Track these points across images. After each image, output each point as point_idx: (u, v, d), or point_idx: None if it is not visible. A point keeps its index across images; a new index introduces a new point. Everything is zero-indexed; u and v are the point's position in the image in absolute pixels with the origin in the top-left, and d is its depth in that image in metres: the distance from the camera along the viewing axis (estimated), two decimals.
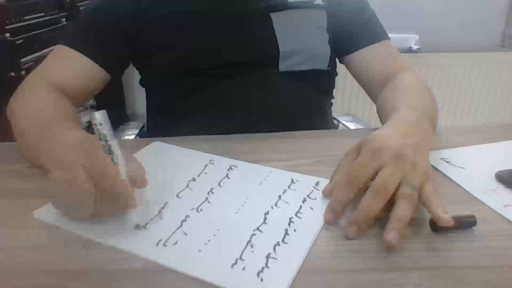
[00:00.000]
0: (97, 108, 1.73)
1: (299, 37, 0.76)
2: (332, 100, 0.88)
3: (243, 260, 0.38)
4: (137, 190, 0.43)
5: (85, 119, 1.73)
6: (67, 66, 0.70)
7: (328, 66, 0.80)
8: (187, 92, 0.75)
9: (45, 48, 1.40)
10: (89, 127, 1.45)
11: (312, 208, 0.46)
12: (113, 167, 0.41)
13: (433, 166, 0.52)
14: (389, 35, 0.80)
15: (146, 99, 0.86)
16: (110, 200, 0.41)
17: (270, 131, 0.68)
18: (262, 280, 0.36)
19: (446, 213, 0.40)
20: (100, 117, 0.42)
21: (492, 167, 0.54)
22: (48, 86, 0.66)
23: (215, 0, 0.74)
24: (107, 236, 0.41)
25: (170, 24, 0.73)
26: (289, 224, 0.43)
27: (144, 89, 0.85)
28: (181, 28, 0.73)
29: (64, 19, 1.58)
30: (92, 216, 0.42)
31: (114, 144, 0.43)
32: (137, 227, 0.43)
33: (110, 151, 0.42)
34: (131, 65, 0.82)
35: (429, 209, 0.42)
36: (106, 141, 0.42)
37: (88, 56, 0.70)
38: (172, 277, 0.37)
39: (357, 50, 0.78)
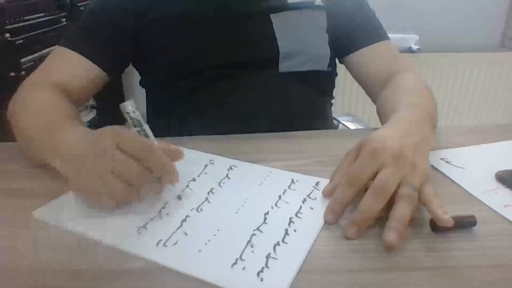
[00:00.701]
0: (96, 108, 1.73)
1: (299, 38, 0.76)
2: (332, 101, 0.88)
3: (243, 260, 0.38)
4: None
5: (86, 118, 1.73)
6: (66, 67, 0.71)
7: (328, 66, 0.80)
8: (187, 92, 0.75)
9: (45, 48, 1.40)
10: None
11: (312, 208, 0.46)
12: (152, 144, 0.44)
13: (433, 166, 0.52)
14: (389, 35, 0.80)
15: (146, 100, 0.86)
16: (148, 177, 0.44)
17: (270, 131, 0.68)
18: (262, 280, 0.36)
19: (446, 214, 0.40)
20: (131, 105, 0.46)
21: (492, 167, 0.54)
22: (48, 86, 0.66)
23: (215, 1, 0.74)
24: (107, 236, 0.41)
25: (170, 26, 0.73)
26: (289, 224, 0.43)
27: (144, 89, 0.85)
28: (181, 29, 0.73)
29: (64, 19, 1.58)
30: (127, 197, 0.44)
31: (147, 128, 0.47)
32: (179, 197, 0.47)
33: (146, 135, 0.47)
34: (131, 65, 0.82)
35: (429, 210, 0.42)
36: (141, 126, 0.46)
37: (87, 57, 0.71)
38: (172, 277, 0.37)
39: (357, 51, 0.78)
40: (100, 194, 0.44)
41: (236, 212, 0.46)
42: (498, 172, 0.52)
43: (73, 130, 0.50)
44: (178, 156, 0.47)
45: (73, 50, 0.71)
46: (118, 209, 0.45)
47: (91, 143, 0.45)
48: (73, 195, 0.49)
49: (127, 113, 0.45)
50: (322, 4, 0.78)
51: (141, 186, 0.44)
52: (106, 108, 1.80)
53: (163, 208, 0.46)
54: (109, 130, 0.45)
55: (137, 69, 0.83)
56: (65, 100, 0.65)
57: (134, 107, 0.46)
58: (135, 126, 0.45)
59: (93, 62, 0.71)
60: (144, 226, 0.43)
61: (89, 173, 0.43)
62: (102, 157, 0.43)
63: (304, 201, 0.48)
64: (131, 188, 0.43)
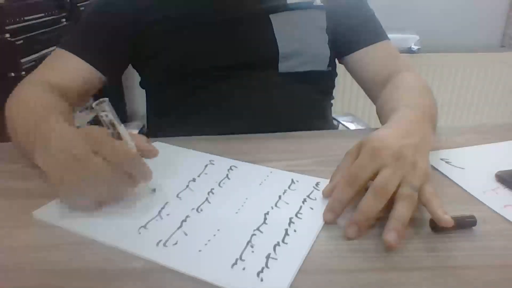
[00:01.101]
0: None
1: (298, 38, 0.76)
2: (332, 101, 0.88)
3: (243, 260, 0.38)
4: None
5: (86, 118, 1.73)
6: (64, 69, 0.71)
7: (328, 66, 0.80)
8: (187, 94, 0.75)
9: (45, 48, 1.40)
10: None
11: (312, 209, 0.46)
12: (129, 150, 0.44)
13: (433, 166, 0.52)
14: (389, 35, 0.80)
15: (146, 100, 0.86)
16: (126, 179, 0.44)
17: (270, 132, 0.68)
18: (262, 280, 0.36)
19: (446, 214, 0.40)
20: (105, 105, 0.44)
21: (492, 167, 0.54)
22: (44, 86, 0.66)
23: (214, 2, 0.74)
24: (107, 236, 0.41)
25: (170, 27, 0.73)
26: (289, 224, 0.43)
27: (144, 89, 0.85)
28: (181, 30, 0.73)
29: (64, 20, 1.58)
30: (105, 201, 0.45)
31: (122, 129, 0.45)
32: (154, 190, 0.49)
33: (119, 137, 0.45)
34: (130, 66, 0.82)
35: (429, 210, 0.42)
36: (114, 127, 0.45)
37: (85, 60, 0.71)
38: (172, 277, 0.37)
39: (356, 51, 0.78)
40: (74, 195, 0.44)
41: (236, 212, 0.46)
42: (498, 172, 0.52)
43: (56, 129, 0.48)
44: (152, 155, 0.48)
45: (72, 52, 0.71)
46: (110, 209, 0.46)
47: (70, 144, 0.43)
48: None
49: (100, 116, 0.44)
50: (321, 4, 0.78)
51: (117, 189, 0.45)
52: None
53: (163, 208, 0.46)
54: (86, 134, 0.44)
55: (137, 70, 0.83)
56: (58, 98, 0.64)
57: (107, 108, 0.44)
58: (108, 128, 0.45)
59: (90, 64, 0.72)
60: (144, 226, 0.43)
61: (66, 175, 0.43)
62: (77, 159, 0.42)
63: (304, 201, 0.48)
64: (108, 192, 0.45)
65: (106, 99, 0.44)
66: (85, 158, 0.42)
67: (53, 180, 0.44)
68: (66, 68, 0.71)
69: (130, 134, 0.46)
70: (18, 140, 0.58)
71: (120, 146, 0.44)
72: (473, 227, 0.43)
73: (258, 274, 0.36)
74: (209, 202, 0.48)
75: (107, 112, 0.44)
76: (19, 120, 0.58)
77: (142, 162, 0.46)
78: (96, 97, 0.77)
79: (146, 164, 0.46)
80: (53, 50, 0.75)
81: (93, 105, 0.44)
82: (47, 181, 0.45)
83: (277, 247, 0.40)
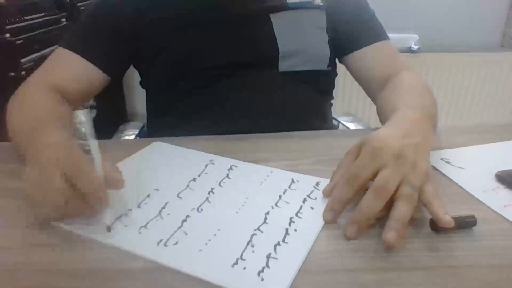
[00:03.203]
0: (96, 108, 1.73)
1: (298, 38, 0.76)
2: (332, 101, 0.88)
3: (244, 259, 0.38)
4: (113, 192, 0.43)
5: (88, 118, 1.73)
6: (66, 69, 0.71)
7: (328, 66, 0.80)
8: (188, 93, 0.75)
9: (45, 48, 1.40)
10: None
11: (312, 208, 0.46)
12: (88, 166, 0.42)
13: (433, 166, 0.52)
14: (389, 35, 0.80)
15: (146, 100, 0.86)
16: (81, 200, 0.41)
17: (270, 131, 0.68)
18: (262, 279, 0.36)
19: (446, 214, 0.40)
20: (81, 116, 0.43)
21: (492, 167, 0.54)
22: (46, 87, 0.66)
23: (214, 1, 0.74)
24: (107, 236, 0.41)
25: (170, 27, 0.73)
26: (289, 224, 0.43)
27: (144, 89, 0.85)
28: (181, 30, 0.73)
29: (64, 19, 1.58)
30: (62, 216, 0.43)
31: (92, 143, 0.43)
32: (108, 229, 0.42)
33: (87, 151, 0.43)
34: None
35: (429, 210, 0.42)
36: (85, 140, 0.43)
37: (87, 59, 0.71)
38: (173, 276, 0.37)
39: (356, 50, 0.78)
40: (31, 200, 0.43)
41: (237, 212, 0.46)
42: (498, 172, 0.52)
43: (48, 137, 0.48)
44: (118, 185, 0.44)
45: (73, 51, 0.71)
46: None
47: (45, 165, 0.42)
48: None
49: (75, 123, 0.43)
50: (321, 4, 0.78)
51: (70, 209, 0.42)
52: (106, 108, 1.79)
53: (164, 208, 0.46)
54: (58, 146, 0.43)
55: (137, 70, 0.83)
56: (58, 101, 0.64)
57: (84, 118, 0.43)
58: (79, 138, 0.43)
59: (92, 63, 0.71)
60: (145, 226, 0.43)
61: (37, 184, 0.42)
62: (38, 167, 0.42)
63: (304, 201, 0.48)
64: (54, 210, 0.42)
65: (86, 109, 0.43)
66: (49, 172, 0.41)
67: (27, 189, 0.43)
68: (68, 68, 0.71)
69: (108, 159, 0.44)
70: (15, 142, 0.58)
71: (79, 162, 0.42)
72: (473, 227, 0.43)
73: (258, 274, 0.36)
74: (210, 202, 0.48)
75: (82, 123, 0.43)
76: (18, 124, 0.59)
77: (98, 184, 0.42)
78: (96, 97, 0.77)
79: (103, 191, 0.42)
80: (54, 49, 0.75)
81: (76, 113, 0.43)
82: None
83: (277, 247, 0.40)
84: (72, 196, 0.41)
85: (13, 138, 0.59)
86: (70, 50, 0.71)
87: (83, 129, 0.43)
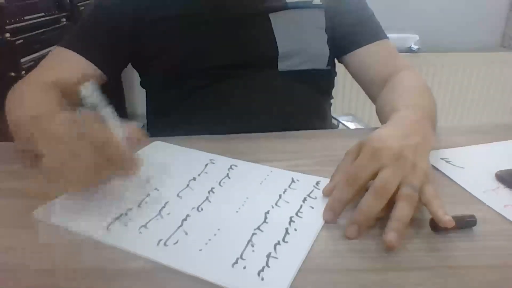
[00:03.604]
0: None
1: (298, 37, 0.76)
2: (332, 101, 0.88)
3: (244, 259, 0.38)
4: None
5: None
6: (63, 67, 0.71)
7: (327, 66, 0.80)
8: (187, 93, 0.75)
9: (45, 48, 1.40)
10: None
11: (312, 208, 0.46)
12: (111, 134, 0.44)
13: (433, 166, 0.52)
14: (389, 35, 0.80)
15: (146, 100, 0.86)
16: (113, 167, 0.43)
17: (270, 131, 0.68)
18: (262, 279, 0.36)
19: (446, 215, 0.40)
20: (86, 89, 0.44)
21: (492, 167, 0.54)
22: (44, 84, 0.66)
23: (214, 2, 0.74)
24: (107, 236, 0.41)
25: (169, 27, 0.73)
26: (289, 224, 0.43)
27: (144, 89, 0.85)
28: (180, 30, 0.73)
29: (64, 19, 1.58)
30: (91, 184, 0.45)
31: (106, 112, 0.45)
32: (148, 180, 0.47)
33: (104, 120, 0.45)
34: (131, 65, 0.82)
35: (430, 210, 0.42)
36: (99, 110, 0.45)
37: (85, 57, 0.71)
38: (173, 276, 0.37)
39: (355, 50, 0.78)
40: (59, 177, 0.44)
41: (237, 212, 0.46)
42: (498, 172, 0.52)
43: (53, 118, 0.49)
44: (140, 141, 0.47)
45: (71, 50, 0.71)
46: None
47: (57, 129, 0.45)
48: (73, 195, 0.49)
49: (83, 98, 0.44)
50: (321, 4, 0.78)
51: (99, 175, 0.44)
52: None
53: (164, 207, 0.46)
54: (76, 118, 0.45)
55: (137, 70, 0.83)
56: (54, 97, 0.63)
57: (91, 90, 0.44)
58: (93, 110, 0.45)
59: (90, 61, 0.72)
60: (145, 226, 0.43)
61: (56, 158, 0.44)
62: (63, 142, 0.43)
63: (304, 200, 0.48)
64: (90, 177, 0.44)
65: (92, 82, 0.45)
66: (69, 140, 0.43)
67: (43, 163, 0.44)
68: (65, 66, 0.71)
69: (121, 121, 0.46)
70: (19, 133, 0.58)
71: (103, 131, 0.44)
72: (473, 227, 0.43)
73: (258, 273, 0.36)
74: (210, 201, 0.48)
75: (92, 95, 0.44)
76: (21, 116, 0.58)
77: (126, 150, 0.44)
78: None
79: (132, 153, 0.45)
80: (52, 49, 0.75)
81: (80, 87, 0.44)
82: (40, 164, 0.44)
83: (277, 246, 0.40)
84: (101, 162, 0.42)
85: (17, 131, 0.59)
86: (67, 48, 0.72)
87: (91, 101, 0.44)
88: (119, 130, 0.45)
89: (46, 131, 0.46)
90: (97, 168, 0.43)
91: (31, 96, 0.63)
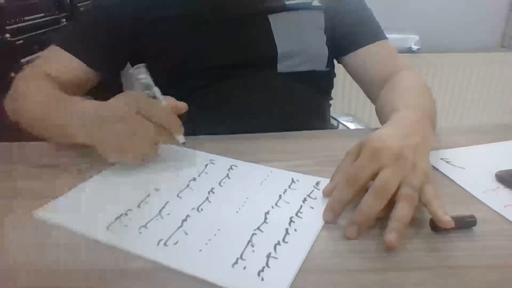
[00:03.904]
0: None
1: (297, 38, 0.76)
2: (332, 101, 0.88)
3: (244, 259, 0.38)
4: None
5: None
6: (56, 64, 0.72)
7: (327, 66, 0.80)
8: (187, 93, 0.75)
9: (45, 48, 1.40)
10: None
11: (312, 208, 0.46)
12: (164, 107, 0.53)
13: (433, 166, 0.52)
14: (389, 35, 0.80)
15: None
16: (163, 133, 0.52)
17: (269, 131, 0.68)
18: (262, 279, 0.36)
19: (446, 215, 0.40)
20: (141, 71, 0.53)
21: (492, 167, 0.54)
22: (41, 75, 0.68)
23: (213, 2, 0.74)
24: (107, 236, 0.41)
25: (169, 27, 0.73)
26: (289, 224, 0.43)
27: None
28: (180, 30, 0.73)
29: (64, 20, 1.58)
30: (152, 154, 0.53)
31: (156, 89, 0.54)
32: (185, 144, 0.54)
33: (155, 97, 0.54)
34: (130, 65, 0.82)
35: (430, 210, 0.42)
36: (151, 89, 0.54)
37: (78, 57, 0.72)
38: (173, 276, 0.37)
39: (355, 51, 0.78)
40: (125, 152, 0.51)
41: (237, 212, 0.46)
42: (498, 172, 0.52)
43: (83, 101, 0.57)
44: (183, 109, 0.55)
45: (65, 50, 0.72)
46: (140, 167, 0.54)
47: (112, 109, 0.52)
48: (73, 195, 0.49)
49: (138, 78, 0.52)
50: (320, 5, 0.78)
51: (158, 143, 0.53)
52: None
53: (164, 207, 0.46)
54: (126, 97, 0.52)
55: None
56: (56, 87, 0.66)
57: (145, 72, 0.54)
58: (144, 89, 0.53)
59: (83, 62, 0.72)
60: (145, 226, 0.43)
61: (113, 135, 0.50)
62: (124, 120, 0.50)
63: (304, 200, 0.48)
64: (151, 145, 0.52)
65: (143, 64, 0.54)
66: (131, 117, 0.50)
67: (104, 147, 0.51)
68: (59, 64, 0.72)
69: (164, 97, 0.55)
70: (33, 125, 0.62)
71: (158, 105, 0.52)
72: (473, 227, 0.43)
73: (258, 274, 0.36)
74: (210, 202, 0.48)
75: (145, 75, 0.53)
76: (30, 108, 0.62)
77: (175, 117, 0.53)
78: (97, 97, 0.78)
79: (178, 119, 0.53)
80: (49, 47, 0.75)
81: (131, 70, 0.53)
82: (95, 151, 0.52)
83: (277, 246, 0.40)
84: (159, 132, 0.51)
85: (28, 124, 0.63)
86: (62, 48, 0.72)
87: (146, 81, 0.53)
88: (165, 103, 0.54)
89: (81, 118, 0.53)
90: (156, 139, 0.51)
91: (32, 87, 0.65)
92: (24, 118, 0.63)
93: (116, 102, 0.52)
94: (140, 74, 0.53)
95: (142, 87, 0.53)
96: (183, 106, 0.55)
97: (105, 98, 0.53)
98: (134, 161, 0.53)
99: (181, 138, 0.54)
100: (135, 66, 0.54)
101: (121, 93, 0.53)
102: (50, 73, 0.69)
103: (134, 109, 0.50)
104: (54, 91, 0.63)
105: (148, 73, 0.54)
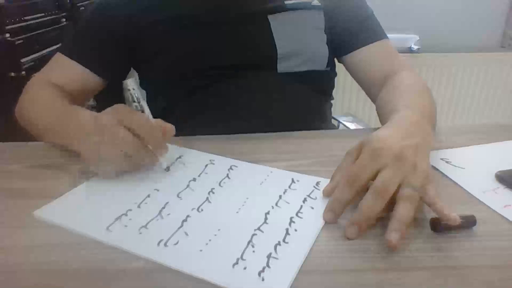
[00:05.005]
0: (97, 108, 1.75)
1: (297, 38, 0.76)
2: (332, 101, 0.88)
3: (244, 260, 0.38)
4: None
5: None
6: (63, 73, 0.74)
7: (327, 66, 0.80)
8: (187, 94, 0.75)
9: (45, 48, 1.40)
10: None
11: (312, 208, 0.46)
12: (149, 121, 0.52)
13: (433, 166, 0.52)
14: (389, 35, 0.80)
15: (146, 100, 0.86)
16: (143, 147, 0.50)
17: (270, 131, 0.68)
18: (263, 279, 0.36)
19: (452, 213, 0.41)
20: (132, 83, 0.52)
21: (492, 167, 0.54)
22: (50, 85, 0.71)
23: (212, 3, 0.74)
24: (107, 236, 0.41)
25: (168, 28, 0.73)
26: (289, 224, 0.43)
27: (144, 90, 0.85)
28: (179, 31, 0.73)
29: (64, 19, 1.58)
30: (128, 168, 0.51)
31: (144, 104, 0.53)
32: (168, 168, 0.53)
33: (142, 111, 0.53)
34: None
35: (435, 210, 0.42)
36: (139, 102, 0.53)
37: (82, 64, 0.74)
38: (173, 277, 0.37)
39: (355, 50, 0.78)
40: (102, 164, 0.50)
41: (237, 212, 0.46)
42: (498, 172, 0.52)
43: (80, 114, 0.57)
44: (170, 132, 0.53)
45: (69, 57, 0.74)
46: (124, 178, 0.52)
47: (96, 121, 0.51)
48: (73, 195, 0.49)
49: (128, 90, 0.51)
50: (319, 5, 0.78)
51: (138, 157, 0.50)
52: (106, 108, 1.79)
53: (164, 208, 0.46)
54: (113, 109, 0.51)
55: (136, 71, 0.83)
56: (65, 97, 0.69)
57: (135, 85, 0.53)
58: (133, 101, 0.52)
59: (88, 69, 0.74)
60: (145, 226, 0.43)
61: (95, 147, 0.49)
62: (105, 132, 0.49)
63: (304, 200, 0.48)
64: (129, 158, 0.50)
65: (134, 77, 0.54)
66: (113, 127, 0.48)
67: (85, 156, 0.51)
68: (65, 72, 0.74)
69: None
70: (40, 134, 0.64)
71: (145, 119, 0.51)
72: (473, 227, 0.43)
73: (259, 274, 0.36)
74: (210, 202, 0.48)
75: (135, 88, 0.52)
76: (38, 117, 0.65)
77: (160, 134, 0.51)
78: (96, 97, 0.80)
79: (162, 138, 0.51)
80: (54, 49, 0.77)
81: (124, 82, 0.53)
82: (81, 159, 0.52)
83: (278, 247, 0.40)
84: (136, 144, 0.49)
85: (35, 132, 0.65)
86: (66, 55, 0.74)
87: (135, 94, 0.53)
88: (152, 119, 0.53)
89: (75, 132, 0.54)
90: (137, 155, 0.50)
91: (41, 96, 0.68)
92: (30, 126, 0.66)
93: (103, 113, 0.52)
94: (130, 86, 0.52)
95: (130, 98, 0.52)
96: (171, 129, 0.53)
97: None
98: (108, 173, 0.51)
99: (164, 161, 0.52)
100: (127, 79, 0.53)
101: (112, 107, 0.52)
102: (56, 82, 0.72)
103: (115, 119, 0.49)
104: (57, 103, 0.66)
105: (138, 85, 0.55)
